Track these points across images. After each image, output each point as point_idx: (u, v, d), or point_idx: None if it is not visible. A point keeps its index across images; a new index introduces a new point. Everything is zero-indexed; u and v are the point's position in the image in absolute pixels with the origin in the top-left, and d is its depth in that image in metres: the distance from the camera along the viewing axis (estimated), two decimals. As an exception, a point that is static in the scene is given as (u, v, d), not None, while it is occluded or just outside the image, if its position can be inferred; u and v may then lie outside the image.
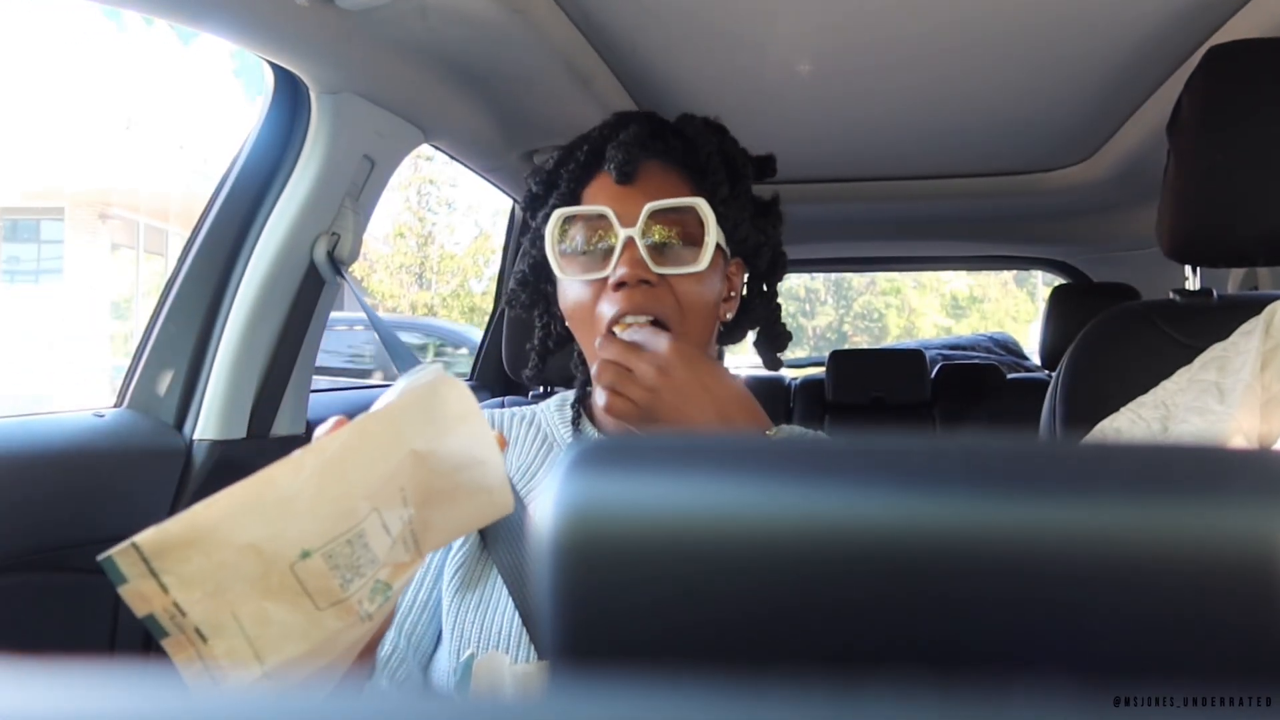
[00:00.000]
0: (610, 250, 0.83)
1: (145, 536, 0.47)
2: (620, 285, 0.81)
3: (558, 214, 0.84)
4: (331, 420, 0.67)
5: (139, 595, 0.48)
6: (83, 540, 1.07)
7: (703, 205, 0.83)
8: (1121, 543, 0.20)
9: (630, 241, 0.82)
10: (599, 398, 0.78)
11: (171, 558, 0.48)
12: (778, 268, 0.96)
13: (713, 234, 0.83)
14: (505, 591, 0.79)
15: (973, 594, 0.20)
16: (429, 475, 0.56)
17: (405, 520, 0.55)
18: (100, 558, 0.46)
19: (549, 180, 0.90)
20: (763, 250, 0.92)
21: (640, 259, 0.82)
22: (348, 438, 0.52)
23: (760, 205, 0.94)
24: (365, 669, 0.69)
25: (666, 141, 0.88)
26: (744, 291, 0.96)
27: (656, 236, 0.83)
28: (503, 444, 0.65)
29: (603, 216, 0.83)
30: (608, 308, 0.82)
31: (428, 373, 0.58)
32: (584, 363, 0.95)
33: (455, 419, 0.57)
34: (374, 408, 0.60)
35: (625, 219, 0.82)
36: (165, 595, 0.48)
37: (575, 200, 0.87)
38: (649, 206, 0.82)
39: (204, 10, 0.99)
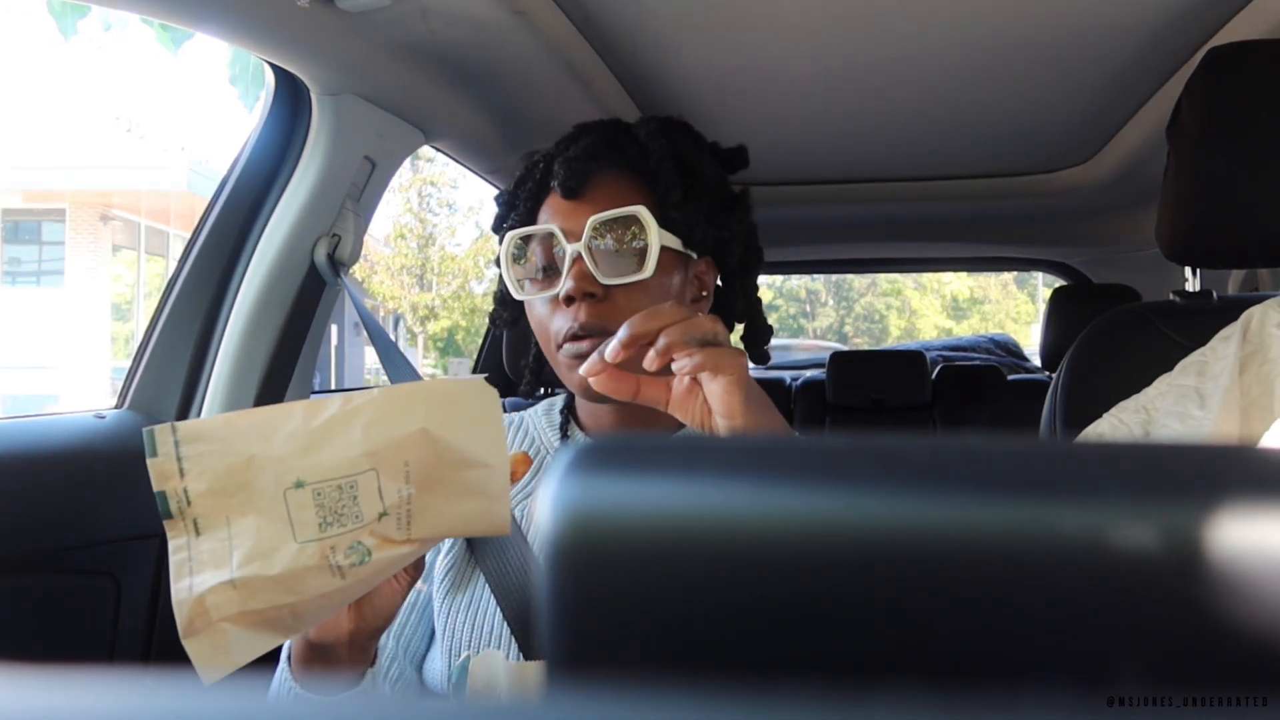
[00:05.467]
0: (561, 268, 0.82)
1: (185, 423, 0.56)
2: (569, 300, 0.80)
3: (510, 235, 0.85)
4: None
5: (161, 471, 0.56)
6: (83, 542, 1.07)
7: (643, 212, 0.81)
8: (1118, 542, 0.20)
9: (578, 256, 0.81)
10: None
11: (196, 445, 0.56)
12: (751, 262, 0.93)
13: (655, 240, 0.81)
14: None
15: (974, 596, 0.20)
16: (435, 460, 0.59)
17: (403, 496, 0.59)
18: (145, 429, 0.56)
19: (510, 201, 0.90)
20: (731, 246, 0.89)
21: (587, 273, 0.80)
22: (373, 396, 0.58)
23: (725, 200, 0.91)
24: (360, 668, 0.70)
25: (622, 150, 0.87)
26: (716, 289, 0.93)
27: (603, 249, 0.81)
28: (526, 465, 0.66)
29: (551, 234, 0.82)
30: (560, 323, 0.82)
31: (473, 378, 0.62)
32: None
33: (473, 418, 0.60)
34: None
35: (571, 235, 0.81)
36: (180, 479, 0.56)
37: (531, 220, 0.87)
38: (592, 219, 0.81)
39: (204, 11, 0.99)
